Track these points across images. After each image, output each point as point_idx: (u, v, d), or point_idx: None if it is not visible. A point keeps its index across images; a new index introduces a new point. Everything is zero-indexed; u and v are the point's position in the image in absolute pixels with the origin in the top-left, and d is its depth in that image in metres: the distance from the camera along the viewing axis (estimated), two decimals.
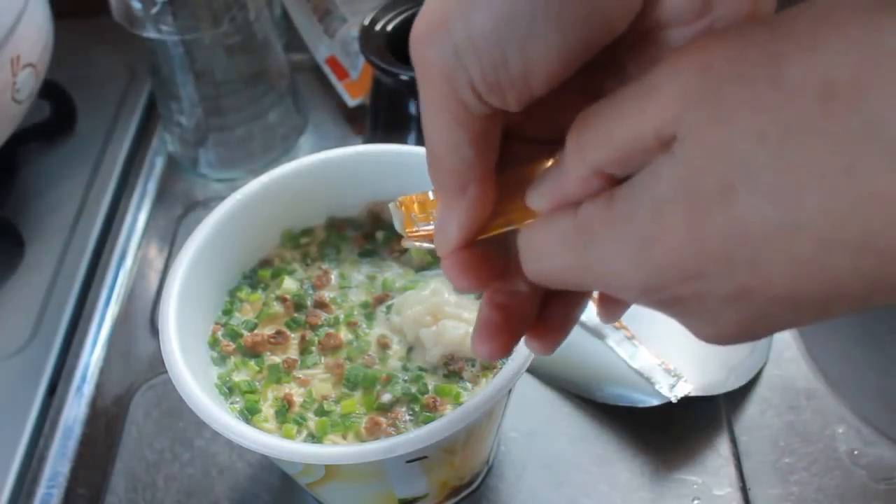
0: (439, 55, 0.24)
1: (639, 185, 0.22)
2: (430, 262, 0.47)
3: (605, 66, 0.26)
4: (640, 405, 0.50)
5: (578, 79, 0.25)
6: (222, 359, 0.44)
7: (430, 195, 0.30)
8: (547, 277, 0.26)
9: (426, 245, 0.30)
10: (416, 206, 0.30)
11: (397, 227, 0.31)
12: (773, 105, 0.20)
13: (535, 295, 0.29)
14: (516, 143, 0.27)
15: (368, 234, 0.49)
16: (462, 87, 0.24)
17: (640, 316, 0.54)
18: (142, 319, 0.60)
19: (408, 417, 0.41)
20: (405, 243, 0.31)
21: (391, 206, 0.31)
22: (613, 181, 0.23)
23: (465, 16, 0.23)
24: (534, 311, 0.29)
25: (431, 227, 0.29)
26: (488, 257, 0.28)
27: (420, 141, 0.60)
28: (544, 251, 0.25)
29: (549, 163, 0.26)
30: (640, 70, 0.25)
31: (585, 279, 0.25)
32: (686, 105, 0.21)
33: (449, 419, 0.37)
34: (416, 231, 0.30)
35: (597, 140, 0.23)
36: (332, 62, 0.74)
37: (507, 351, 0.29)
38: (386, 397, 0.42)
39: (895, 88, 0.19)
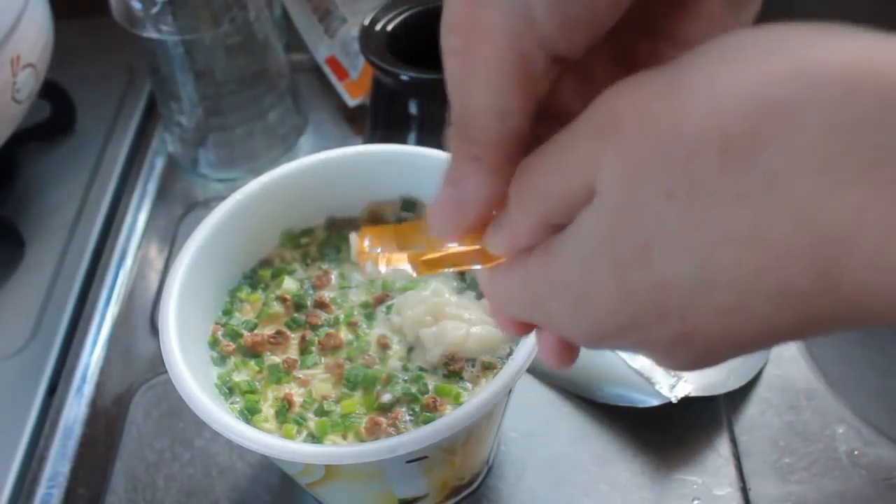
0: (503, 11, 0.23)
1: (568, 240, 0.23)
2: None
3: (637, 28, 0.26)
4: (640, 405, 0.50)
5: (610, 44, 0.25)
6: (222, 359, 0.44)
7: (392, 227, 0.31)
8: (513, 317, 0.27)
9: (389, 270, 0.30)
10: (375, 233, 0.31)
11: (352, 255, 0.31)
12: (678, 162, 0.20)
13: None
14: (541, 120, 0.26)
15: None
16: (528, 40, 0.23)
17: None
18: (142, 319, 0.60)
19: (408, 417, 0.41)
20: (363, 272, 0.31)
21: (350, 236, 0.31)
22: (559, 227, 0.24)
23: None
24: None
25: (387, 253, 0.30)
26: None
27: (420, 141, 0.60)
28: (503, 296, 0.26)
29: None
30: (671, 29, 0.25)
31: (542, 325, 0.26)
32: (601, 161, 0.21)
33: (449, 419, 0.37)
34: (369, 252, 0.30)
35: (534, 193, 0.24)
36: (332, 62, 0.74)
37: (574, 355, 0.28)
38: (386, 397, 0.42)
39: (789, 141, 0.19)
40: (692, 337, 0.22)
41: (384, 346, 0.44)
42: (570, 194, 0.22)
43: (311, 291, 0.47)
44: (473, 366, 0.42)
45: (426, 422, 0.40)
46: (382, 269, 0.30)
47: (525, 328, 0.28)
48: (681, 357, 0.24)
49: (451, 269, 0.28)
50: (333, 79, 0.74)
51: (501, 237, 0.25)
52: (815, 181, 0.19)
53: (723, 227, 0.20)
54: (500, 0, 0.23)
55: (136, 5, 0.60)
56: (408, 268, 0.30)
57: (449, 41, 0.25)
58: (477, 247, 0.27)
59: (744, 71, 0.19)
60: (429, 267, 0.29)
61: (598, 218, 0.22)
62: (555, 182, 0.23)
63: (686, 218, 0.20)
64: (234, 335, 0.45)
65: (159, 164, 0.71)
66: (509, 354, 0.42)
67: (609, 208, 0.21)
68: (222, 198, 0.47)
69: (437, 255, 0.29)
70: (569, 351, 0.28)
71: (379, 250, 0.30)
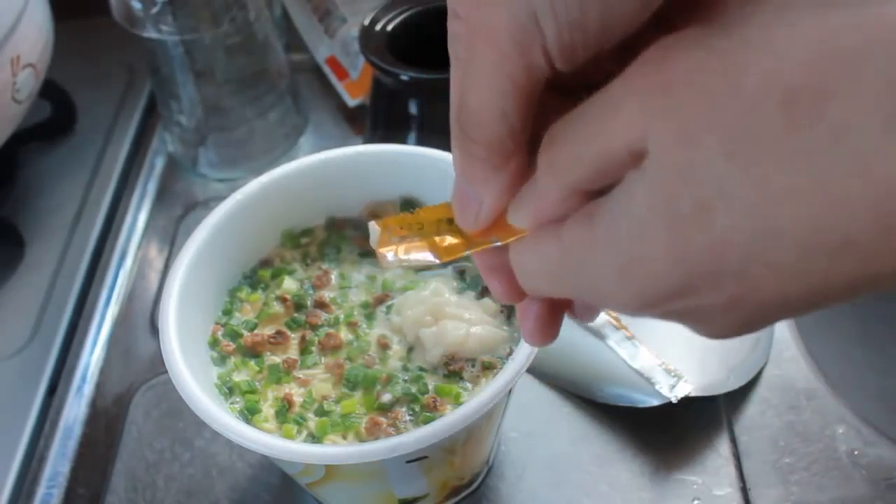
0: (510, 15, 0.23)
1: (616, 205, 0.22)
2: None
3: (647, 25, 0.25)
4: (640, 405, 0.50)
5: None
6: (222, 359, 0.44)
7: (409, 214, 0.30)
8: (541, 293, 0.26)
9: (409, 258, 0.29)
10: (394, 221, 0.30)
11: (372, 243, 0.30)
12: (737, 118, 0.20)
13: None
14: (547, 93, 0.26)
15: (368, 234, 0.49)
16: (533, 51, 0.23)
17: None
18: (142, 319, 0.60)
19: (408, 417, 0.41)
20: (382, 262, 0.30)
21: (370, 224, 0.30)
22: (591, 195, 0.23)
23: None
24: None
25: (406, 242, 0.29)
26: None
27: (420, 141, 0.60)
28: (534, 271, 0.25)
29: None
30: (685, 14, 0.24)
31: (580, 297, 0.25)
32: (653, 122, 0.21)
33: (449, 419, 0.37)
34: (391, 241, 0.29)
35: (568, 160, 0.23)
36: (332, 62, 0.74)
37: (555, 333, 0.29)
38: (386, 397, 0.42)
39: (854, 95, 0.19)
40: (745, 299, 0.22)
41: (384, 346, 0.44)
42: (614, 157, 0.22)
43: (311, 291, 0.47)
44: (473, 366, 0.42)
45: (426, 422, 0.40)
46: (402, 256, 0.29)
47: (520, 296, 0.28)
48: (727, 323, 0.23)
49: (473, 251, 0.27)
50: (333, 79, 0.74)
51: (528, 209, 0.25)
52: (880, 136, 0.18)
53: (786, 183, 0.19)
54: (518, 6, 0.23)
55: (136, 5, 0.60)
56: (428, 255, 0.29)
57: (454, 26, 0.25)
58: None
59: (802, 24, 0.19)
60: (450, 252, 0.28)
61: (653, 179, 0.21)
62: (594, 147, 0.22)
63: (749, 174, 0.20)
64: (234, 335, 0.45)
65: (159, 164, 0.71)
66: (509, 354, 0.42)
67: (665, 169, 0.21)
68: (222, 198, 0.47)
69: (457, 239, 0.28)
70: (553, 328, 0.28)
71: (398, 238, 0.29)
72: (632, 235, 0.22)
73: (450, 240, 0.28)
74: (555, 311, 0.28)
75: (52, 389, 0.56)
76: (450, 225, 0.28)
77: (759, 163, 0.20)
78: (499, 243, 0.27)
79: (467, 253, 0.27)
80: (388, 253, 0.29)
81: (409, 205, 0.49)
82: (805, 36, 0.19)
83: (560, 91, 0.26)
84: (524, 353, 0.39)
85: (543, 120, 0.25)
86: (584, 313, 0.29)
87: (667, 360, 0.51)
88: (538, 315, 0.28)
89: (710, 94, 0.20)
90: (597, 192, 0.23)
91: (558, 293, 0.25)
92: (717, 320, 0.23)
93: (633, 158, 0.21)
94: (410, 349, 0.44)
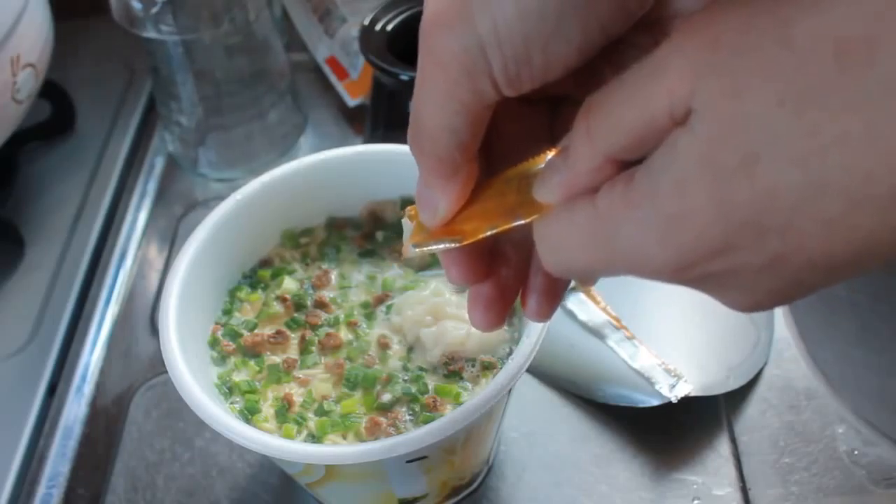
0: (460, 45, 0.24)
1: (658, 164, 0.22)
2: (430, 262, 0.47)
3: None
4: (640, 405, 0.50)
5: None
6: (222, 359, 0.44)
7: None
8: (570, 269, 0.26)
9: (432, 247, 0.29)
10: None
11: (406, 237, 0.30)
12: (788, 69, 0.20)
13: (523, 269, 0.29)
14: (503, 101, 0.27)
15: (368, 234, 0.49)
16: (480, 79, 0.24)
17: (640, 316, 0.54)
18: (142, 319, 0.60)
19: (408, 417, 0.41)
20: (406, 252, 0.30)
21: (403, 220, 0.31)
22: (625, 167, 0.23)
23: (491, 8, 0.23)
24: (523, 280, 0.30)
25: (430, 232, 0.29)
26: (482, 253, 0.29)
27: None
28: (565, 244, 0.25)
29: (550, 154, 0.26)
30: (648, 40, 0.25)
31: (612, 266, 0.24)
32: (699, 79, 0.21)
33: (449, 419, 0.37)
34: (422, 236, 0.30)
35: (608, 126, 0.23)
36: (332, 62, 0.74)
37: (502, 320, 0.30)
38: (386, 397, 0.42)
39: None
40: (786, 260, 0.21)
41: (384, 346, 0.44)
42: (655, 121, 0.22)
43: (311, 291, 0.47)
44: (473, 366, 0.42)
45: (426, 422, 0.40)
46: (430, 247, 0.29)
47: (503, 315, 0.29)
48: (762, 288, 0.23)
49: (496, 230, 0.27)
50: (333, 79, 0.74)
51: (561, 180, 0.25)
52: None
53: (837, 131, 0.19)
54: (461, 32, 0.24)
55: (136, 5, 0.60)
56: (455, 240, 0.29)
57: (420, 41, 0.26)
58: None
59: None
60: (472, 233, 0.28)
61: (698, 135, 0.21)
62: (637, 110, 0.22)
63: (798, 124, 0.20)
64: (234, 335, 0.45)
65: (159, 164, 0.71)
66: (509, 354, 0.42)
67: (712, 122, 0.21)
68: (222, 198, 0.47)
69: (476, 220, 0.28)
70: (502, 315, 0.29)
71: (426, 231, 0.30)
72: (674, 192, 0.21)
73: (472, 223, 0.28)
74: (505, 297, 0.29)
75: (52, 389, 0.56)
76: (470, 209, 0.29)
77: (809, 111, 0.20)
78: (522, 221, 0.26)
79: (490, 233, 0.27)
80: (409, 246, 0.30)
81: (409, 205, 0.49)
82: None
83: (518, 98, 0.27)
84: (524, 353, 0.39)
85: (501, 125, 0.27)
86: (541, 303, 0.29)
87: (667, 360, 0.51)
88: (489, 300, 0.29)
89: (758, 49, 0.20)
90: (632, 163, 0.23)
91: (592, 264, 0.25)
92: (754, 285, 0.23)
93: (674, 122, 0.21)
94: (410, 349, 0.44)
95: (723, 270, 0.22)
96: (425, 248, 0.29)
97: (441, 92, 0.25)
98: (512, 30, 0.23)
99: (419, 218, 0.29)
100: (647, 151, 0.22)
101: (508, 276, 0.29)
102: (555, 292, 0.30)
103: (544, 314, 0.30)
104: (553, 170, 0.25)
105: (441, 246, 0.29)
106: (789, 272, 0.22)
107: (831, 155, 0.20)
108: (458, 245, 0.28)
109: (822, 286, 0.23)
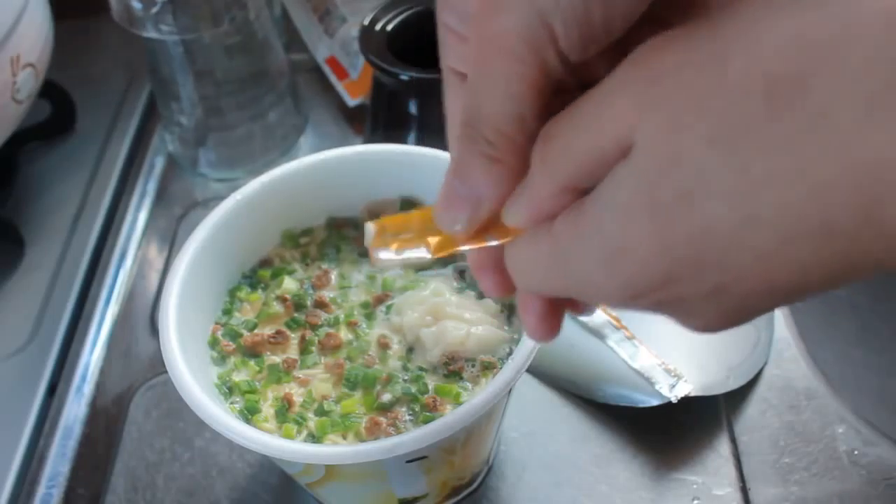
0: (521, 23, 0.23)
1: (603, 195, 0.23)
2: (430, 262, 0.47)
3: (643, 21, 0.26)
4: (640, 405, 0.50)
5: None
6: (222, 359, 0.44)
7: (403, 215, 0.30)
8: (536, 290, 0.26)
9: (402, 250, 0.29)
10: (389, 220, 0.30)
11: (366, 241, 0.30)
12: (720, 107, 0.20)
13: None
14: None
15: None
16: (547, 52, 0.24)
17: (640, 316, 0.54)
18: (142, 319, 0.60)
19: (408, 417, 0.41)
20: (374, 260, 0.30)
21: (366, 225, 0.30)
22: (584, 192, 0.24)
23: None
24: None
25: (399, 239, 0.29)
26: None
27: (420, 141, 0.60)
28: (529, 268, 0.26)
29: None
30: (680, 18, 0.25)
31: (569, 292, 0.25)
32: (642, 113, 0.21)
33: (449, 419, 0.37)
34: (384, 238, 0.30)
35: (559, 155, 0.23)
36: (332, 62, 0.74)
37: (557, 327, 0.29)
38: (386, 397, 0.42)
39: (834, 80, 0.19)
40: (728, 289, 0.22)
41: (384, 346, 0.44)
42: (603, 152, 0.22)
43: (311, 291, 0.47)
44: (473, 366, 0.42)
45: (426, 422, 0.40)
46: (394, 254, 0.29)
47: (510, 290, 0.28)
48: (712, 313, 0.23)
49: (467, 248, 0.28)
50: (333, 79, 0.74)
51: (522, 206, 0.25)
52: (860, 118, 0.19)
53: (767, 169, 0.20)
54: (519, 10, 0.23)
55: (136, 5, 0.60)
56: (422, 250, 0.29)
57: (446, 37, 0.25)
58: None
59: (783, 17, 0.20)
60: (443, 247, 0.28)
61: (637, 169, 0.21)
62: (586, 142, 0.23)
63: (730, 162, 0.20)
64: (234, 335, 0.45)
65: (159, 164, 0.71)
66: (509, 354, 0.42)
67: (649, 158, 0.21)
68: (222, 198, 0.47)
69: (446, 237, 0.28)
70: (555, 323, 0.28)
71: (391, 237, 0.29)
72: (616, 225, 0.22)
73: (443, 237, 0.28)
74: (556, 306, 0.28)
75: (52, 389, 0.56)
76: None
77: (740, 149, 0.20)
78: (494, 243, 0.27)
79: (461, 250, 0.27)
80: (381, 251, 0.30)
81: (409, 205, 0.49)
82: (785, 29, 0.19)
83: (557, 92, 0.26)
84: (524, 353, 0.39)
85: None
86: (580, 307, 0.29)
87: (667, 360, 0.51)
88: (540, 311, 0.28)
89: (695, 86, 0.20)
90: (588, 190, 0.23)
91: (550, 290, 0.26)
92: (702, 311, 0.23)
93: (622, 151, 0.22)
94: (410, 349, 0.44)
95: (669, 299, 0.23)
96: (395, 256, 0.29)
97: (507, 76, 0.24)
98: None
99: (442, 224, 0.28)
100: (598, 180, 0.23)
101: None
102: (554, 313, 0.29)
103: (539, 335, 0.29)
104: (518, 196, 0.25)
105: (409, 255, 0.29)
106: (733, 300, 0.22)
107: (762, 192, 0.20)
108: (427, 256, 0.28)
109: (770, 309, 0.24)
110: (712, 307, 0.23)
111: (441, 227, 0.28)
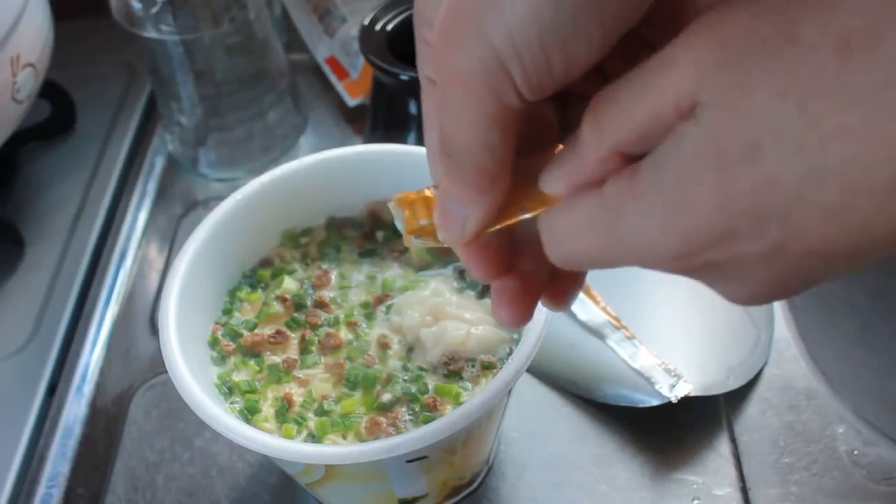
0: (478, 61, 0.24)
1: (664, 155, 0.23)
2: (430, 262, 0.47)
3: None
4: (640, 405, 0.50)
5: None
6: (222, 359, 0.44)
7: (428, 192, 0.30)
8: (574, 259, 0.26)
9: (430, 243, 0.29)
10: (418, 204, 0.30)
11: (399, 226, 0.30)
12: (792, 63, 0.20)
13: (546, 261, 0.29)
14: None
15: (368, 234, 0.49)
16: (505, 92, 0.24)
17: (640, 316, 0.54)
18: (142, 319, 0.60)
19: (408, 417, 0.41)
20: (408, 242, 0.30)
21: (391, 205, 0.30)
22: (631, 160, 0.24)
23: (503, 17, 0.23)
24: (546, 272, 0.30)
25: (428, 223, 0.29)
26: (502, 247, 0.29)
27: (420, 141, 0.60)
28: (569, 233, 0.25)
29: (558, 149, 0.26)
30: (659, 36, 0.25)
31: (615, 255, 0.25)
32: (706, 73, 0.21)
33: (449, 419, 0.37)
34: (419, 226, 0.29)
35: (615, 120, 0.23)
36: (332, 62, 0.74)
37: (529, 314, 0.29)
38: (386, 397, 0.42)
39: None
40: (785, 248, 0.22)
41: (384, 346, 0.44)
42: (661, 117, 0.22)
43: (310, 291, 0.47)
44: (473, 366, 0.42)
45: (426, 422, 0.40)
46: (430, 242, 0.29)
47: (529, 309, 0.29)
48: (762, 279, 0.23)
49: (501, 225, 0.27)
50: (333, 79, 0.74)
51: (566, 173, 0.25)
52: None
53: (837, 122, 0.20)
54: (475, 48, 0.23)
55: (136, 5, 0.60)
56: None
57: (423, 49, 0.26)
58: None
59: None
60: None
61: (704, 126, 0.22)
62: (644, 106, 0.23)
63: (800, 116, 0.20)
64: (234, 335, 0.45)
65: (159, 164, 0.71)
66: (509, 354, 0.42)
67: (716, 115, 0.21)
68: (222, 198, 0.47)
69: None
70: (528, 310, 0.29)
71: (425, 221, 0.29)
72: (679, 181, 0.22)
73: None
74: (530, 291, 0.29)
75: (52, 389, 0.56)
76: None
77: (811, 103, 0.20)
78: (528, 214, 0.27)
79: (495, 228, 0.27)
80: (414, 238, 0.30)
81: None
82: None
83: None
84: (524, 353, 0.39)
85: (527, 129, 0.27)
86: (560, 297, 0.30)
87: (667, 360, 0.51)
88: (513, 294, 0.29)
89: (764, 45, 0.21)
90: (635, 157, 0.24)
91: (596, 254, 0.25)
92: (755, 273, 0.23)
93: (680, 115, 0.22)
94: (410, 349, 0.44)
95: (724, 259, 0.23)
96: (420, 243, 0.30)
97: (468, 110, 0.25)
98: (528, 36, 0.23)
99: (446, 237, 0.28)
100: (652, 145, 0.23)
101: (531, 268, 0.29)
102: (571, 282, 0.30)
103: (559, 304, 0.30)
104: (561, 161, 0.25)
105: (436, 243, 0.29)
106: (788, 261, 0.22)
107: (831, 145, 0.20)
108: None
109: (820, 279, 0.23)
110: (764, 270, 0.23)
111: (443, 239, 0.28)
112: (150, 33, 0.61)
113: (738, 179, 0.21)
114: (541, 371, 0.53)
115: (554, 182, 0.25)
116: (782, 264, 0.23)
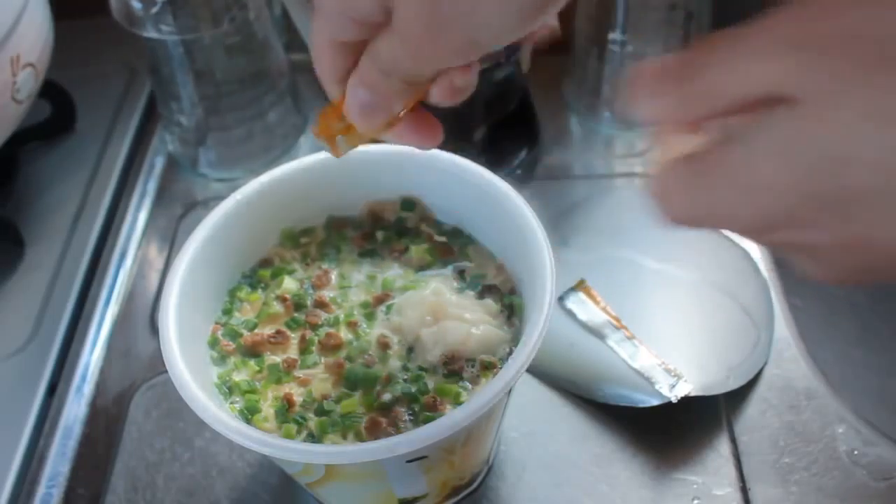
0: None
1: (760, 133, 0.24)
2: (430, 262, 0.47)
3: None
4: (640, 405, 0.50)
5: None
6: (222, 358, 0.44)
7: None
8: (684, 218, 0.28)
9: (355, 141, 0.38)
10: (329, 114, 0.38)
11: (339, 142, 0.38)
12: (881, 84, 0.22)
13: None
14: None
15: (368, 233, 0.49)
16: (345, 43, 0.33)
17: (640, 316, 0.54)
18: (142, 319, 0.60)
19: (408, 417, 0.41)
20: (336, 152, 0.40)
21: (314, 134, 0.39)
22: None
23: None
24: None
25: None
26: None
27: None
28: (672, 195, 0.28)
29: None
30: None
31: (709, 220, 0.27)
32: (803, 74, 0.23)
33: (449, 419, 0.37)
34: (337, 130, 0.37)
35: (708, 93, 0.25)
36: None
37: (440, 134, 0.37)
38: (386, 397, 0.42)
39: None
40: (863, 246, 0.24)
41: (384, 346, 0.44)
42: (748, 99, 0.24)
43: (310, 291, 0.47)
44: (473, 366, 0.42)
45: (426, 421, 0.40)
46: (354, 140, 0.37)
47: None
48: (838, 265, 0.26)
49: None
50: None
51: (658, 110, 0.27)
52: None
53: None
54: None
55: (136, 5, 0.60)
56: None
57: None
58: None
59: None
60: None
61: (798, 123, 0.23)
62: (737, 86, 0.25)
63: (885, 137, 0.22)
64: (234, 335, 0.45)
65: (159, 163, 0.71)
66: (509, 354, 0.42)
67: (811, 118, 0.23)
68: (222, 198, 0.47)
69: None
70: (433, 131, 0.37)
71: (339, 125, 0.37)
72: (766, 164, 0.24)
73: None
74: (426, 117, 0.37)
75: (52, 389, 0.56)
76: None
77: (892, 126, 0.22)
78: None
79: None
80: (339, 138, 0.38)
81: (409, 204, 0.49)
82: None
83: None
84: (524, 353, 0.39)
85: None
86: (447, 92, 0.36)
87: (667, 360, 0.51)
88: (409, 125, 0.37)
89: (861, 59, 0.23)
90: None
91: (696, 213, 0.27)
92: (834, 260, 0.26)
93: (769, 100, 0.24)
94: (410, 349, 0.44)
95: (800, 242, 0.25)
96: (354, 142, 0.38)
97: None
98: None
99: (361, 125, 0.36)
100: (726, 116, 0.25)
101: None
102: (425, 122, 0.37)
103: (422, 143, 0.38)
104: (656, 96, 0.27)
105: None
106: (863, 255, 0.25)
107: None
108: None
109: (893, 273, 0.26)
110: (839, 259, 0.25)
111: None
112: (150, 33, 0.61)
113: (821, 177, 0.23)
114: (541, 371, 0.53)
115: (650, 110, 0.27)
116: (858, 257, 0.25)
